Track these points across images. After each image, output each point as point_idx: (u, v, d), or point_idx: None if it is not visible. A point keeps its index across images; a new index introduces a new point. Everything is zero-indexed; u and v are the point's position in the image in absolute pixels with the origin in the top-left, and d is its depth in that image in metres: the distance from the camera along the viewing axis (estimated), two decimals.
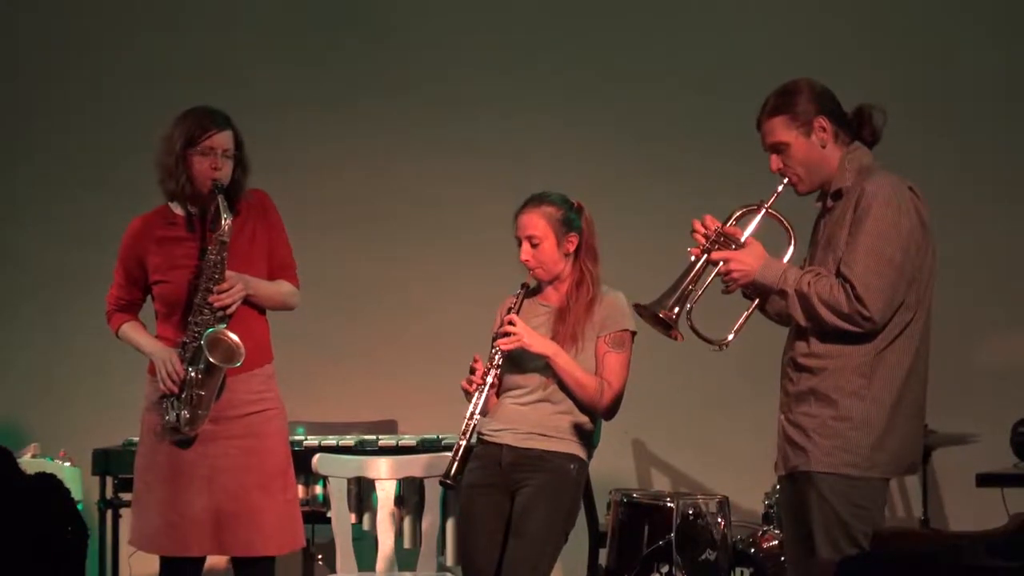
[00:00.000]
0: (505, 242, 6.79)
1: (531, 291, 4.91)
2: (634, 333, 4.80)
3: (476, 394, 4.73)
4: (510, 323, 4.72)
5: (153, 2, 7.28)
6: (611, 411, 4.81)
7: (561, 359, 4.71)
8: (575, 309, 4.79)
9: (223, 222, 4.58)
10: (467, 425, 4.69)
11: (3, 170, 7.22)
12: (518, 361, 4.77)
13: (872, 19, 6.76)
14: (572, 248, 4.82)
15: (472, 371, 4.75)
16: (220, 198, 4.58)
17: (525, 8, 7.07)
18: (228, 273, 4.62)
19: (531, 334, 4.72)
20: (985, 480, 5.71)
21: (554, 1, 7.06)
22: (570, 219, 4.81)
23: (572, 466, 4.76)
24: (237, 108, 4.80)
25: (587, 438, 4.81)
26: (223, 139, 4.65)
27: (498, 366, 4.75)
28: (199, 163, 4.62)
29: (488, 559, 4.73)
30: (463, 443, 4.67)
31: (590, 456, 4.85)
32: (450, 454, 4.71)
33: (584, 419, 4.79)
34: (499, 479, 4.76)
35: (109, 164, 7.02)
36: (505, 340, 4.70)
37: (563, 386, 4.73)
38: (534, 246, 4.79)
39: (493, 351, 4.75)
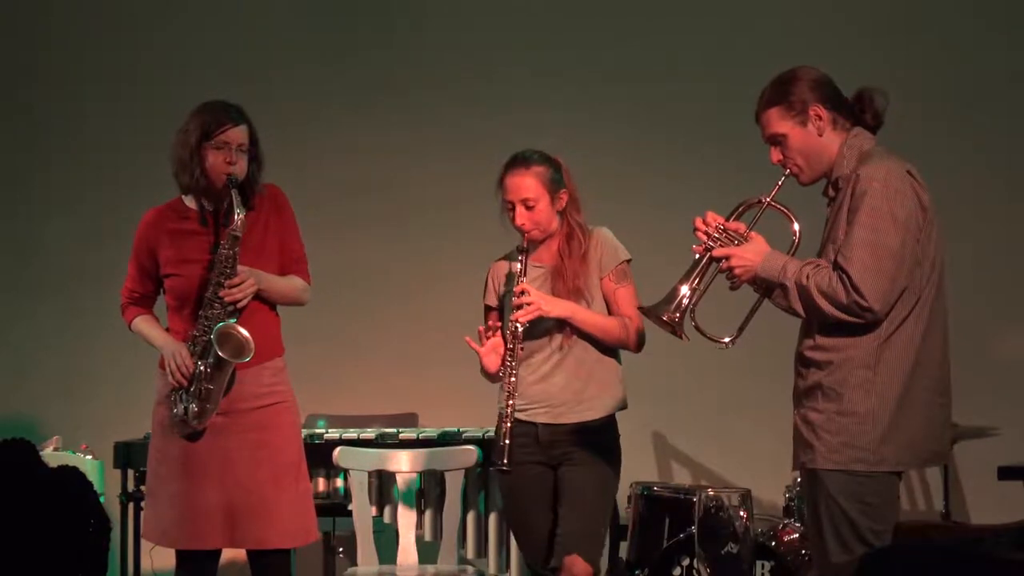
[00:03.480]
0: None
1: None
2: (630, 260, 4.76)
3: (508, 374, 4.64)
4: (523, 292, 4.62)
5: (182, 3, 7.29)
6: (640, 342, 4.74)
7: (580, 315, 4.65)
8: (570, 264, 4.71)
9: (236, 217, 4.58)
10: (508, 407, 4.62)
11: (28, 167, 7.25)
12: (527, 330, 4.68)
13: (886, 17, 6.76)
14: (563, 204, 4.73)
15: (480, 338, 4.70)
16: (234, 193, 4.58)
17: (539, 7, 7.07)
18: (240, 268, 4.62)
19: (547, 300, 4.64)
20: (1006, 473, 5.71)
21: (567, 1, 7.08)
22: (557, 176, 4.73)
23: (608, 432, 4.74)
24: (254, 105, 4.81)
25: (615, 388, 4.76)
26: (238, 134, 4.65)
27: (520, 337, 4.65)
28: (214, 157, 4.62)
29: (544, 531, 4.71)
30: (509, 425, 4.60)
31: (624, 401, 4.80)
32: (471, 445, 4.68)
33: (608, 364, 4.75)
34: (540, 455, 4.73)
35: (132, 161, 7.03)
36: (523, 312, 4.60)
37: (584, 335, 4.66)
38: (529, 208, 4.69)
39: (512, 326, 4.65)
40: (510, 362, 4.64)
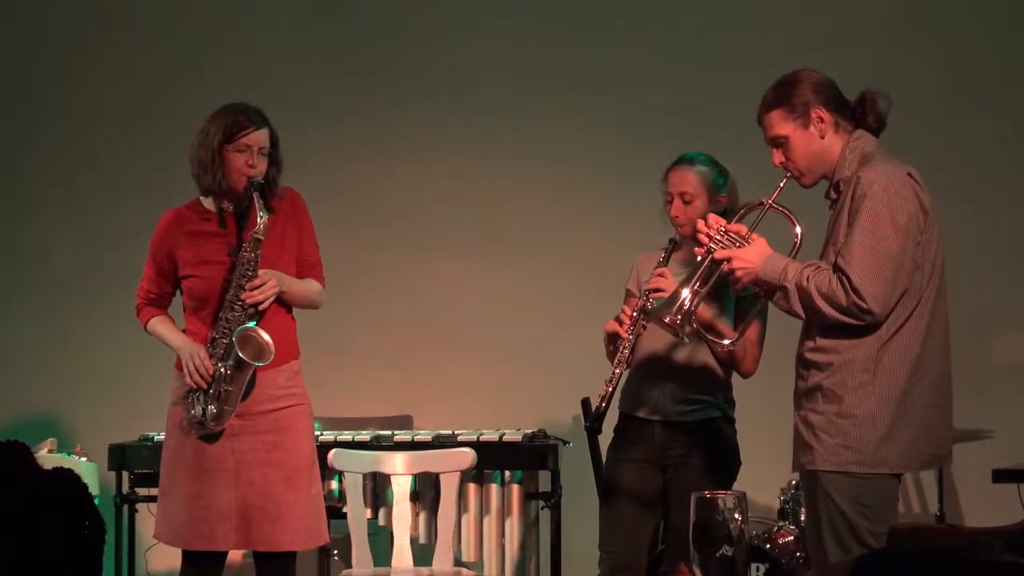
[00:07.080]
0: (520, 239, 6.82)
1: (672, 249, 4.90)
2: None
3: (627, 342, 4.73)
4: (660, 276, 4.70)
5: (180, 4, 7.29)
6: (752, 367, 4.83)
7: (705, 315, 4.65)
8: None
9: (259, 220, 4.58)
10: (614, 374, 4.72)
11: (25, 169, 7.24)
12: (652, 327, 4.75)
13: (886, 17, 6.76)
14: (720, 209, 4.78)
15: (620, 321, 4.76)
16: (256, 196, 4.59)
17: (539, 6, 7.07)
18: (261, 271, 4.63)
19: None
20: (1001, 476, 5.70)
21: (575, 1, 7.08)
22: (720, 181, 4.83)
23: (725, 431, 4.84)
24: (263, 108, 4.82)
25: (729, 390, 4.87)
26: (260, 137, 4.66)
27: (648, 314, 4.71)
28: (235, 159, 4.63)
29: (636, 531, 4.83)
30: (610, 390, 4.71)
31: (734, 405, 4.91)
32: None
33: (722, 371, 4.84)
34: (652, 455, 4.81)
35: (131, 165, 7.04)
36: (657, 294, 4.67)
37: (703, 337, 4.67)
38: (686, 203, 4.80)
39: (644, 301, 4.72)
40: (631, 334, 4.73)
